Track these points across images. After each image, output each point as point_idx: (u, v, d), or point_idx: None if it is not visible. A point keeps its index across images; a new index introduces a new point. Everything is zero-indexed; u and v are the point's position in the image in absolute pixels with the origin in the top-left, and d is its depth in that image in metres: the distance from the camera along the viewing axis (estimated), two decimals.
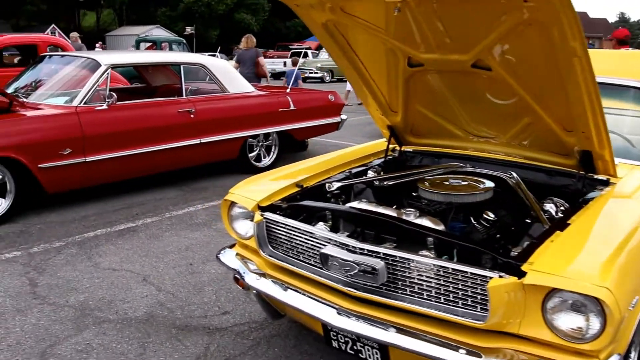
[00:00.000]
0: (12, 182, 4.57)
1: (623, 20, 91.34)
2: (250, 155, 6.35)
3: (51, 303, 3.27)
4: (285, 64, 19.48)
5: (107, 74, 5.09)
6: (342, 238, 2.19)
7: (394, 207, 2.59)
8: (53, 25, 25.00)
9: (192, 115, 5.60)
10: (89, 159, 4.86)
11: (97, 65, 5.09)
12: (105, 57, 5.18)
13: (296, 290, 2.39)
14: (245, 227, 2.65)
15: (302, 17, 2.61)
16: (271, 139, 6.56)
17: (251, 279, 2.50)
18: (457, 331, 1.98)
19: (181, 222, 4.72)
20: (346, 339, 2.27)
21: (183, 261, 3.91)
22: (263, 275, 2.54)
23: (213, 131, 5.81)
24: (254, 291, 2.50)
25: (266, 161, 6.55)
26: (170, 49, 15.17)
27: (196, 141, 5.65)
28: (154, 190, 5.62)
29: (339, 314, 2.19)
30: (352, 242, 2.15)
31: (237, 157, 6.19)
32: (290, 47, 27.36)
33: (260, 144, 6.47)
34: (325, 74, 22.30)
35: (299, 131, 6.75)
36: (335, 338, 2.31)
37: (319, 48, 28.36)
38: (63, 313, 3.14)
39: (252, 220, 2.60)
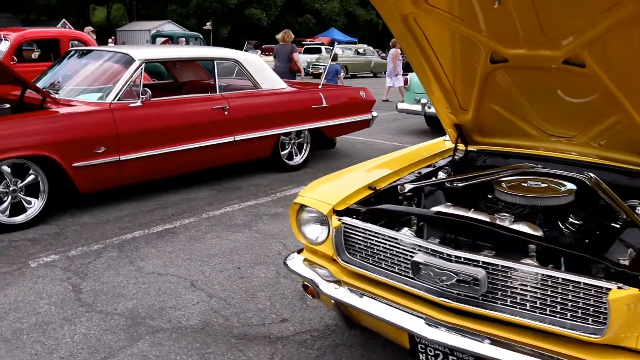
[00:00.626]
0: (45, 182, 4.41)
1: None
2: (282, 153, 6.16)
3: (99, 311, 3.10)
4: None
5: (141, 69, 4.92)
6: (437, 246, 2.01)
7: (472, 210, 2.42)
8: (64, 19, 24.87)
9: (226, 112, 5.42)
10: (123, 157, 4.69)
11: (131, 60, 4.92)
12: (139, 52, 5.00)
13: (378, 299, 2.22)
14: (316, 232, 2.47)
15: (380, 9, 2.43)
16: (303, 136, 6.38)
17: (328, 288, 2.32)
18: (563, 344, 1.82)
19: (220, 223, 4.55)
20: (436, 351, 2.10)
21: (229, 265, 3.73)
22: (337, 282, 2.37)
23: (247, 129, 5.62)
24: (332, 300, 2.32)
25: (298, 159, 6.37)
26: (187, 44, 15.01)
27: (230, 139, 5.47)
28: (187, 190, 5.45)
29: (428, 324, 2.03)
30: (448, 251, 1.97)
31: (269, 156, 6.01)
32: (303, 42, 27.11)
33: (292, 141, 6.28)
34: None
35: (331, 128, 6.56)
36: (423, 350, 2.13)
37: (331, 44, 28.14)
38: (113, 322, 2.97)
39: (323, 224, 2.44)
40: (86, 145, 4.49)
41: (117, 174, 4.74)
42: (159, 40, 16.09)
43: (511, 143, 2.93)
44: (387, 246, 2.18)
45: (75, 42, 8.01)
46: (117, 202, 4.99)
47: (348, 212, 2.35)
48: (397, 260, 2.15)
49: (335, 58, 11.24)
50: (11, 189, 4.26)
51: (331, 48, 14.84)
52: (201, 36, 16.22)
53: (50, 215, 4.54)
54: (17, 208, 4.32)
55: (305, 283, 2.51)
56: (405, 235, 2.16)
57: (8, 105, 4.70)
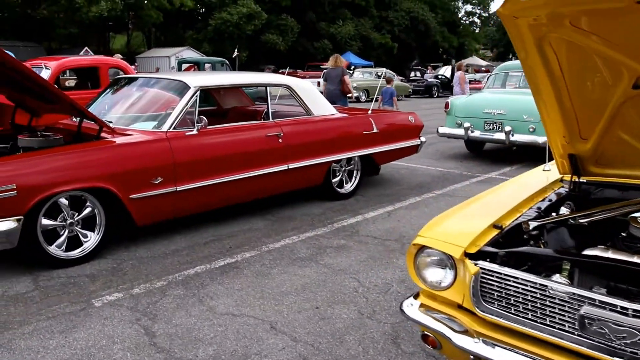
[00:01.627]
0: (102, 215, 4.21)
1: None
2: (333, 181, 5.94)
3: (178, 358, 2.85)
4: (319, 83, 19.39)
5: (197, 96, 4.75)
6: (612, 298, 1.75)
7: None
8: (86, 48, 25.15)
9: (280, 140, 5.22)
10: (179, 188, 4.49)
11: (186, 87, 4.75)
12: (194, 79, 4.84)
13: (524, 354, 1.96)
14: (438, 276, 2.23)
15: (510, 30, 2.21)
16: (353, 163, 6.16)
17: (465, 342, 2.06)
18: None
19: (283, 257, 4.31)
20: None
21: (306, 304, 3.48)
22: (467, 333, 2.11)
23: (301, 156, 5.42)
24: (471, 356, 2.06)
25: (348, 187, 6.14)
26: (213, 69, 14.99)
27: (284, 167, 5.26)
28: (240, 220, 5.22)
29: None
30: (626, 303, 1.71)
31: (321, 184, 5.79)
32: (322, 67, 27.15)
33: (343, 169, 6.07)
34: (361, 93, 22.01)
35: (382, 155, 6.34)
36: None
37: (348, 67, 28.16)
38: None
39: (447, 268, 2.19)
40: (143, 176, 4.29)
41: (173, 205, 4.54)
42: (184, 66, 16.12)
43: (632, 174, 2.68)
44: (537, 295, 1.92)
45: (115, 69, 7.92)
46: (171, 235, 4.78)
47: (481, 255, 2.11)
48: (551, 311, 1.89)
49: (389, 81, 11.30)
50: (68, 222, 4.06)
51: (381, 73, 15.02)
52: (227, 62, 16.23)
53: (105, 249, 4.33)
54: (73, 242, 4.12)
55: (427, 333, 2.26)
56: (561, 283, 1.90)
57: (60, 136, 4.54)
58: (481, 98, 8.70)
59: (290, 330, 3.14)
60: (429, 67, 32.51)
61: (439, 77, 28.28)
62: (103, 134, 4.39)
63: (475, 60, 44.86)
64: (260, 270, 4.04)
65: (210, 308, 3.41)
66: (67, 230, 4.07)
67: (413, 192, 6.46)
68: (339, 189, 6.04)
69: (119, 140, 4.34)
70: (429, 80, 27.11)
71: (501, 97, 8.48)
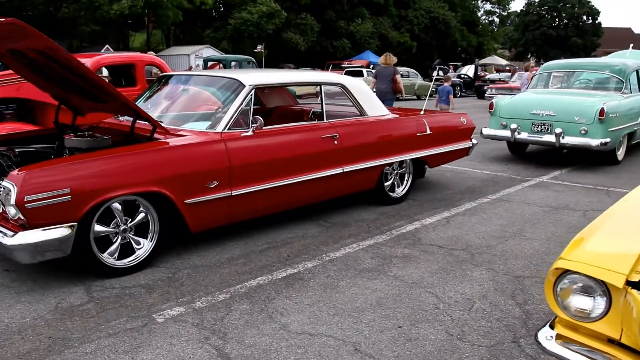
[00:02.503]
0: (156, 221, 3.95)
1: None
2: (385, 184, 5.64)
3: None
4: None
5: (251, 95, 4.48)
6: None
7: None
8: (107, 46, 25.06)
9: (335, 142, 4.93)
10: (234, 192, 4.21)
11: (240, 85, 4.47)
12: (248, 77, 4.56)
13: None
14: (587, 305, 1.92)
15: None
16: (405, 166, 5.86)
17: None
18: None
19: (347, 268, 4.02)
20: None
21: (386, 322, 3.18)
22: None
23: (356, 159, 5.12)
24: None
25: (399, 191, 5.84)
26: (240, 67, 14.74)
27: (339, 170, 4.97)
28: (292, 226, 4.94)
29: None
30: None
31: (374, 188, 5.49)
32: (342, 65, 26.86)
33: (395, 172, 5.76)
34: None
35: (434, 157, 6.03)
36: None
37: (369, 65, 27.83)
38: None
39: (599, 296, 1.88)
40: (198, 180, 4.03)
41: (228, 210, 4.27)
42: (209, 64, 15.89)
43: None
44: None
45: (151, 67, 7.68)
46: (223, 241, 4.51)
47: None
48: None
49: (448, 80, 11.28)
50: (121, 228, 3.81)
51: (441, 68, 15.14)
52: (254, 60, 15.98)
53: (157, 257, 4.06)
54: (125, 249, 3.86)
55: None
56: None
57: (108, 136, 4.29)
58: (528, 98, 8.33)
59: (377, 353, 2.84)
60: (451, 66, 32.03)
61: (462, 76, 27.82)
62: (155, 135, 4.12)
63: (495, 59, 44.28)
64: (327, 282, 3.75)
65: (283, 326, 3.13)
66: (120, 237, 3.82)
67: (465, 197, 6.14)
68: (390, 193, 5.73)
69: (173, 141, 4.07)
70: (452, 79, 26.67)
71: (549, 97, 8.11)
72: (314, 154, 4.78)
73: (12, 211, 3.33)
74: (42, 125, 6.73)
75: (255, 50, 19.41)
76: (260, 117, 4.38)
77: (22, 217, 3.28)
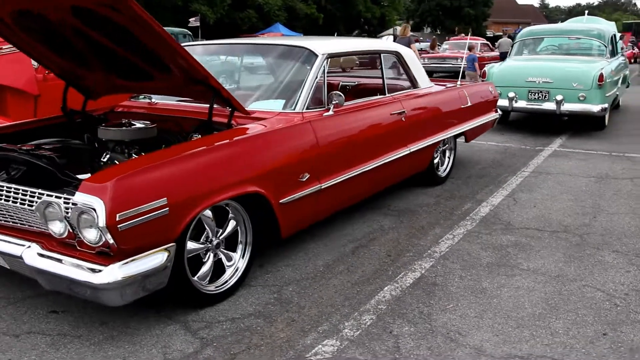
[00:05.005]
0: (249, 230, 3.12)
1: (544, 6, 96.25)
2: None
3: None
4: None
5: (324, 66, 3.71)
6: None
7: None
8: None
9: (403, 119, 4.30)
10: (323, 185, 3.47)
11: (312, 55, 3.67)
12: (319, 45, 3.76)
13: None
14: None
15: None
16: (447, 142, 5.37)
17: None
18: None
19: (470, 264, 3.46)
20: None
21: (584, 329, 2.68)
22: None
23: (420, 137, 4.54)
24: None
25: (442, 170, 5.35)
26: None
27: (406, 151, 4.36)
28: (356, 218, 4.27)
29: None
30: None
31: (426, 168, 4.94)
32: (254, 36, 25.70)
33: (440, 149, 5.25)
34: None
35: (473, 131, 5.61)
36: None
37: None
38: None
39: None
40: (292, 174, 3.24)
41: (315, 207, 3.52)
42: None
43: None
44: None
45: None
46: (297, 245, 3.75)
47: None
48: None
49: (471, 48, 11.38)
50: (215, 242, 2.95)
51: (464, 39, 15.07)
52: (190, 33, 14.54)
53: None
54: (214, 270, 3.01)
55: None
56: None
57: (154, 125, 3.34)
58: (521, 66, 8.17)
59: None
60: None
61: None
62: (235, 120, 3.24)
63: (398, 31, 45.03)
64: (468, 285, 3.18)
65: (478, 350, 2.52)
66: (212, 254, 2.95)
67: (502, 171, 5.80)
68: (437, 172, 5.23)
69: (255, 128, 3.21)
70: None
71: (545, 64, 8.00)
72: (387, 133, 4.13)
73: (93, 235, 2.37)
74: (10, 116, 5.36)
75: (189, 24, 17.80)
76: (340, 93, 3.63)
77: (112, 242, 2.34)
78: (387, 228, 4.13)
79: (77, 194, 2.36)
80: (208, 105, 3.35)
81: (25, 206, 2.58)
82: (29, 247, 2.57)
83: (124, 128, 3.26)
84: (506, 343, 2.58)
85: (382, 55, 4.41)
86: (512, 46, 9.36)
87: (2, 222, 2.77)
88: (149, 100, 3.89)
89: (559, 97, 7.38)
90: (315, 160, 3.39)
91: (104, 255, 2.44)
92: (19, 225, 2.72)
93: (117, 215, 2.32)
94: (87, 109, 3.86)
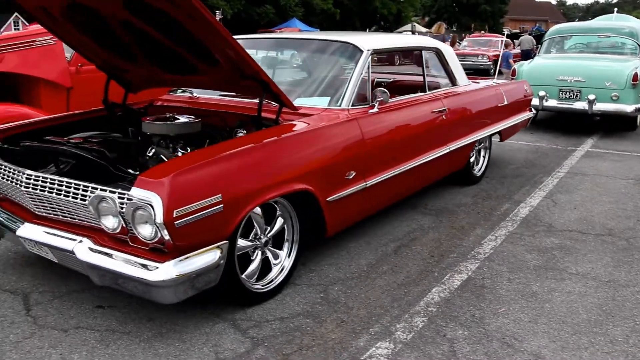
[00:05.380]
0: (296, 228, 3.08)
1: (561, 3, 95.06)
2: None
3: None
4: None
5: (369, 62, 3.64)
6: None
7: None
8: (16, 13, 21.89)
9: (444, 117, 4.23)
10: (368, 182, 3.42)
11: (357, 50, 3.61)
12: (364, 40, 3.69)
13: None
14: None
15: None
16: (482, 140, 5.27)
17: None
18: None
19: (516, 267, 3.38)
20: None
21: None
22: None
23: (459, 135, 4.47)
24: None
25: (477, 169, 5.26)
26: None
27: (445, 149, 4.28)
28: (394, 217, 4.20)
29: None
30: None
31: (463, 167, 4.86)
32: (271, 31, 25.63)
33: (476, 148, 5.17)
34: None
35: (508, 130, 5.51)
36: None
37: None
38: None
39: None
40: (339, 171, 3.19)
41: (360, 206, 3.47)
42: None
43: None
44: None
45: None
46: (339, 244, 3.69)
47: None
48: None
49: (507, 45, 11.32)
50: (263, 240, 2.90)
51: (503, 34, 14.81)
52: None
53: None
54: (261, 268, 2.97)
55: None
56: None
57: (198, 120, 3.30)
58: (551, 64, 8.03)
59: None
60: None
61: None
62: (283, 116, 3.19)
63: (419, 28, 44.65)
64: (518, 288, 3.11)
65: (535, 356, 2.46)
66: (260, 252, 2.91)
67: (537, 171, 5.70)
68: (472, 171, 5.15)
69: (303, 124, 3.15)
70: None
71: (577, 63, 7.84)
72: (428, 131, 4.06)
73: (148, 231, 2.33)
74: (32, 105, 5.38)
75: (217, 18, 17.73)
76: (385, 89, 3.56)
77: (168, 239, 2.30)
78: (426, 228, 4.06)
79: (133, 189, 2.33)
80: (252, 101, 3.32)
81: (78, 200, 2.55)
82: (81, 241, 2.55)
83: (168, 122, 3.22)
84: (565, 350, 2.51)
85: (423, 51, 4.33)
86: (540, 44, 9.21)
87: (51, 215, 2.75)
88: (190, 95, 3.85)
89: (591, 97, 7.24)
90: (361, 158, 3.34)
91: (157, 252, 2.41)
92: (68, 219, 2.69)
93: (175, 211, 2.28)
94: (126, 102, 3.84)
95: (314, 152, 3.03)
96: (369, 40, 3.74)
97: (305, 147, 2.99)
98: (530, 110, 6.02)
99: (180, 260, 2.37)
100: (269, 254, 2.98)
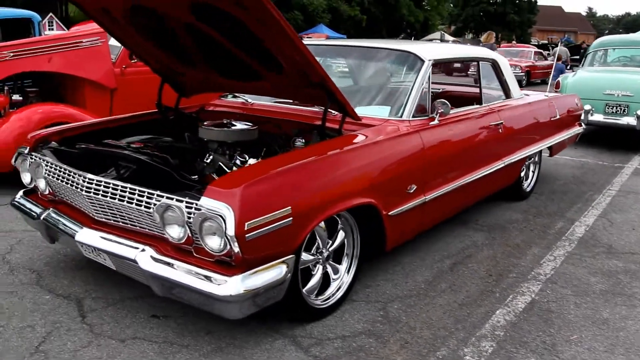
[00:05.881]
0: (357, 242, 2.98)
1: (591, 14, 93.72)
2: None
3: None
4: None
5: (430, 73, 3.53)
6: None
7: None
8: (51, 14, 22.30)
9: (500, 130, 4.09)
10: (428, 197, 3.30)
11: (419, 60, 3.50)
12: (427, 50, 3.58)
13: None
14: None
15: None
16: (532, 155, 5.11)
17: None
18: None
19: (582, 291, 3.23)
20: None
21: None
22: None
23: (514, 149, 4.33)
24: None
25: (526, 184, 5.10)
26: None
27: (500, 164, 4.15)
28: (445, 233, 4.07)
29: None
30: None
31: (514, 182, 4.71)
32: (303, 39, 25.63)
33: (527, 162, 5.01)
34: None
35: (558, 145, 5.34)
36: None
37: (328, 39, 26.79)
38: None
39: None
40: (400, 184, 3.08)
41: (419, 221, 3.35)
42: None
43: None
44: None
45: None
46: (393, 259, 3.58)
47: None
48: None
49: (560, 58, 10.92)
50: (325, 254, 2.81)
51: (555, 45, 14.51)
52: None
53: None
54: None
55: None
56: None
57: (255, 127, 3.22)
58: (598, 77, 7.81)
59: None
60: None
61: None
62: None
63: (447, 36, 44.42)
64: (587, 314, 2.96)
65: None
66: (321, 267, 2.81)
67: (586, 189, 5.51)
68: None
69: (367, 135, 3.04)
70: None
71: (624, 77, 7.62)
72: (485, 145, 3.94)
73: (216, 243, 2.26)
74: (76, 105, 5.37)
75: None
76: (445, 101, 3.44)
77: (237, 252, 2.22)
78: (480, 244, 3.93)
79: (203, 198, 2.25)
80: (308, 108, 3.25)
81: (142, 208, 2.48)
82: (143, 250, 2.48)
83: (226, 128, 3.16)
84: None
85: (480, 62, 4.20)
86: (585, 56, 8.98)
87: (111, 221, 2.69)
88: (243, 100, 3.78)
89: None
90: (422, 171, 3.23)
91: (223, 264, 2.33)
92: (129, 226, 2.63)
93: (246, 224, 2.19)
94: (178, 107, 3.79)
95: (379, 164, 2.93)
96: (430, 50, 3.63)
97: (371, 160, 2.89)
98: (580, 125, 5.83)
99: (249, 275, 2.28)
100: (329, 269, 2.88)
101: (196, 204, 2.29)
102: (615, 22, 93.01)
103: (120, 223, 2.66)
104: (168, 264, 2.40)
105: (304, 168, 2.52)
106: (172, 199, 2.37)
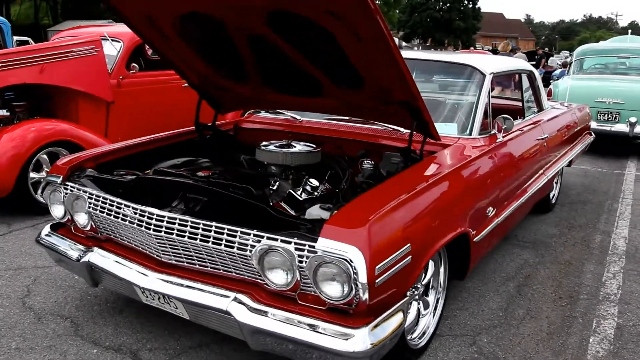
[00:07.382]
0: (445, 273, 2.73)
1: (529, 21, 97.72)
2: None
3: None
4: None
5: (489, 87, 3.34)
6: None
7: None
8: None
9: (544, 144, 3.97)
10: (499, 218, 3.10)
11: (480, 74, 3.31)
12: (487, 63, 3.39)
13: None
14: None
15: None
16: None
17: None
18: None
19: None
20: None
21: None
22: None
23: (552, 163, 4.21)
24: None
25: (552, 195, 5.02)
26: None
27: (544, 179, 4.02)
28: (493, 253, 3.89)
29: None
30: None
31: (545, 196, 4.61)
32: None
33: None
34: None
35: (577, 155, 5.30)
36: None
37: None
38: None
39: None
40: (483, 209, 2.86)
41: (489, 245, 3.15)
42: None
43: None
44: None
45: None
46: (448, 286, 3.36)
47: None
48: None
49: (566, 65, 10.88)
50: (420, 290, 2.55)
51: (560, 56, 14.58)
52: None
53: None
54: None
55: None
56: None
57: (319, 149, 2.93)
58: (588, 85, 7.92)
59: None
60: None
61: None
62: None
63: (402, 43, 44.92)
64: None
65: None
66: (416, 303, 2.55)
67: (602, 198, 5.52)
68: None
69: (449, 158, 2.80)
70: None
71: (615, 84, 7.76)
72: (536, 159, 3.79)
73: (336, 290, 1.95)
74: (68, 120, 4.84)
75: None
76: (508, 116, 3.26)
77: (365, 299, 1.92)
78: (532, 263, 3.78)
79: (321, 240, 1.94)
80: (369, 126, 3.01)
81: (234, 250, 2.13)
82: (235, 299, 2.14)
83: (289, 150, 2.85)
84: None
85: (522, 74, 4.07)
86: (570, 64, 9.11)
87: (184, 264, 2.32)
88: (289, 117, 3.46)
89: (633, 119, 7.16)
90: (498, 192, 3.03)
91: (338, 313, 2.02)
92: (209, 269, 2.28)
93: (376, 267, 1.91)
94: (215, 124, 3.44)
95: (470, 188, 2.71)
96: (489, 63, 3.45)
97: (464, 184, 2.67)
98: (591, 134, 5.83)
99: (374, 326, 1.99)
100: (420, 304, 2.63)
101: (309, 246, 1.98)
102: (551, 28, 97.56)
103: (197, 266, 2.30)
104: (270, 315, 2.07)
105: (417, 198, 2.26)
106: (275, 239, 2.05)
